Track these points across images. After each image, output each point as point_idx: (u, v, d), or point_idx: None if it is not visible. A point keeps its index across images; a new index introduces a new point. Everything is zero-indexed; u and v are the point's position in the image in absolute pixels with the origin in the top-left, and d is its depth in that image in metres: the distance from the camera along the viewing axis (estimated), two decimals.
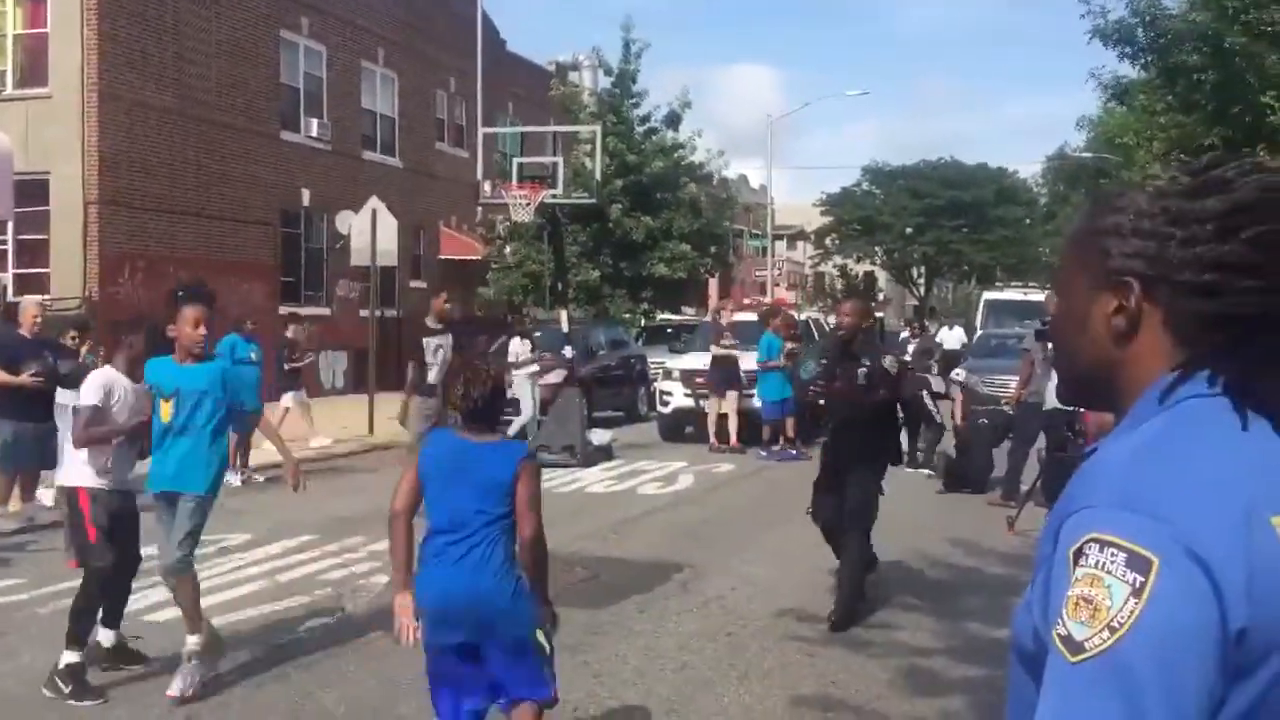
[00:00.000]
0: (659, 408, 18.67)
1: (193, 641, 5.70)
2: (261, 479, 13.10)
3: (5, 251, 20.03)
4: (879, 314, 26.48)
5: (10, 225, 18.62)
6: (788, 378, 13.35)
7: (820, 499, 7.50)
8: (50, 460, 9.65)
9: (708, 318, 23.07)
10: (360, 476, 11.76)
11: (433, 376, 10.89)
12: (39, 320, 10.27)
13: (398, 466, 11.10)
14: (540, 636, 4.01)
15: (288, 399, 15.51)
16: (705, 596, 7.78)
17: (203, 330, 5.77)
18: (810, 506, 7.68)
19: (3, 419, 9.83)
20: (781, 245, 64.31)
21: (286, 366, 15.75)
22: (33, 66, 20.10)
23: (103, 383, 5.98)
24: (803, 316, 21.59)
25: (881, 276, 64.81)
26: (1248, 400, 1.22)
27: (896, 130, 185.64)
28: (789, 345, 15.59)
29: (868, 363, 7.33)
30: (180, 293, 5.90)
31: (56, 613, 6.59)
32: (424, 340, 11.19)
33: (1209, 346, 1.24)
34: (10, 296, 15.73)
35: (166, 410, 5.78)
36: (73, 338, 11.71)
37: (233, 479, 13.01)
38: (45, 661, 5.80)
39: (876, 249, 57.18)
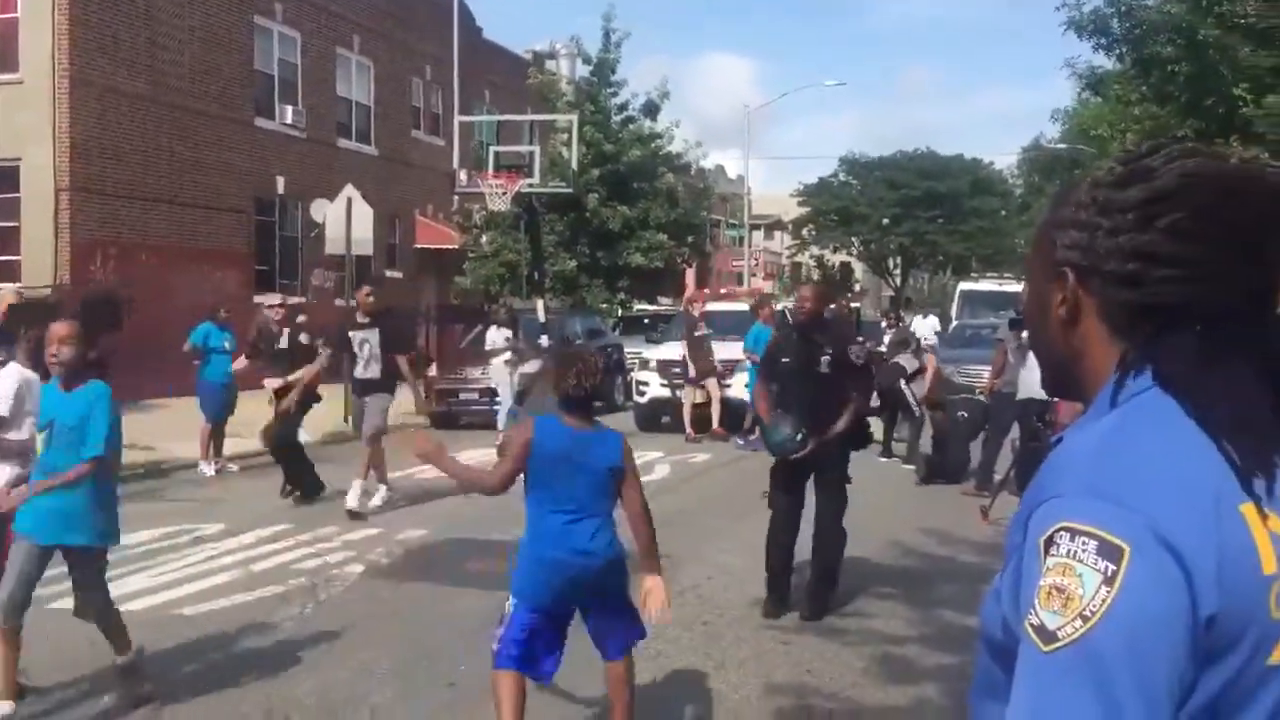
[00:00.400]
0: (635, 397, 18.67)
1: (122, 660, 5.38)
2: (235, 468, 13.03)
3: None
4: (855, 304, 26.51)
5: None
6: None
7: (778, 495, 7.34)
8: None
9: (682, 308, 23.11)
10: (334, 467, 11.68)
11: (359, 371, 10.84)
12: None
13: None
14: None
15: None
16: (681, 586, 7.78)
17: (54, 349, 5.00)
18: (767, 491, 7.51)
19: None
20: (758, 235, 64.38)
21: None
22: (3, 52, 19.85)
23: (10, 390, 5.46)
24: (779, 306, 21.62)
25: (858, 267, 65.01)
26: (1172, 391, 1.20)
27: (874, 121, 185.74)
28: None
29: (831, 351, 7.16)
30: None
31: None
32: (350, 334, 10.90)
33: (1140, 336, 1.24)
34: None
35: (39, 444, 5.13)
36: None
37: (206, 469, 12.96)
38: None
39: (853, 239, 57.32)
